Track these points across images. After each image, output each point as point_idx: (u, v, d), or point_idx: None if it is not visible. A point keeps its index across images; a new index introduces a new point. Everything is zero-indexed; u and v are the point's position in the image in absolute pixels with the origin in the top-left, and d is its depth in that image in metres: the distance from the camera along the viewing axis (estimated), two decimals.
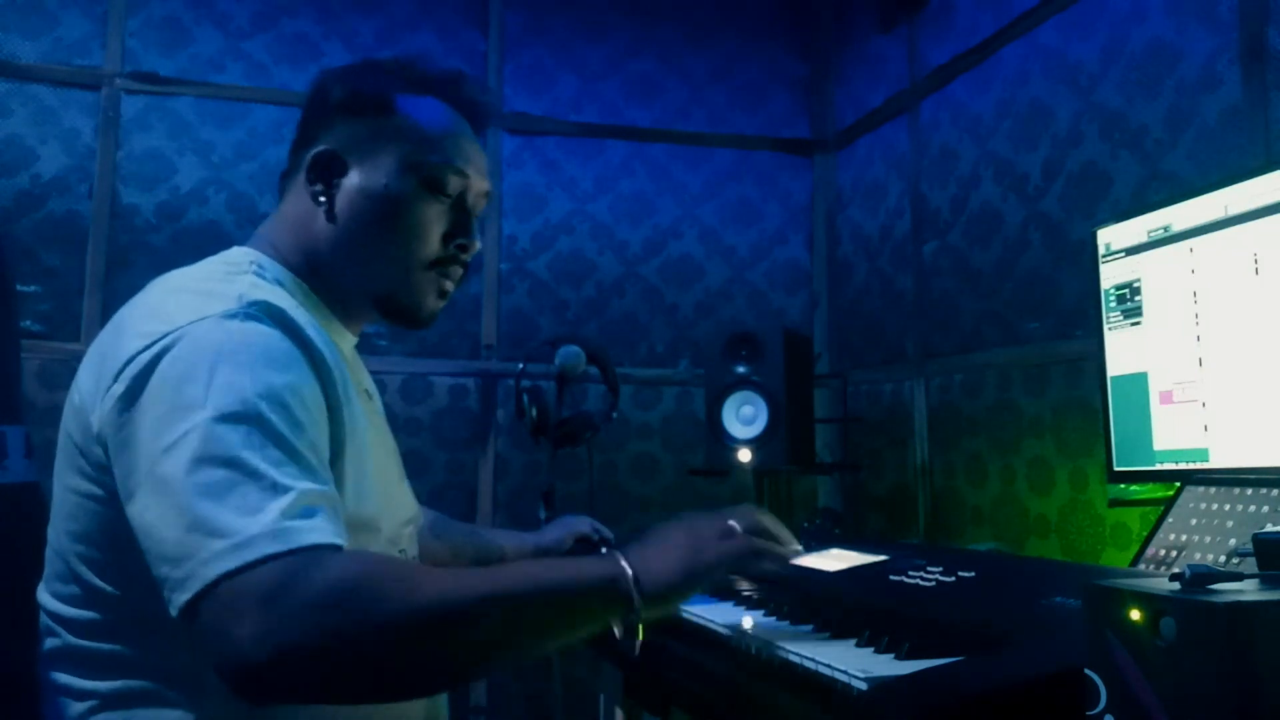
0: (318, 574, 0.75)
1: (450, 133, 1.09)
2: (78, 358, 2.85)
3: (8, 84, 2.63)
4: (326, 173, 1.06)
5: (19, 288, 2.39)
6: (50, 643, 0.95)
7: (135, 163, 2.71)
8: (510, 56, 3.02)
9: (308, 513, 0.79)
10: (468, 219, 1.10)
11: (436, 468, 2.81)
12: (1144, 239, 1.37)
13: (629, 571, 0.87)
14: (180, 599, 0.76)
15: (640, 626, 0.89)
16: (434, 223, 1.07)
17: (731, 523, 0.96)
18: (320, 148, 1.06)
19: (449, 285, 1.11)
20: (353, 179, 1.05)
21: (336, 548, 0.80)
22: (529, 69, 3.02)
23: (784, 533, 1.01)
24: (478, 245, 1.12)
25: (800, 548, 1.00)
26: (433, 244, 1.07)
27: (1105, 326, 1.43)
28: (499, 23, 3.01)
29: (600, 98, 3.07)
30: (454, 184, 1.08)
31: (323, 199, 1.06)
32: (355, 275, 1.07)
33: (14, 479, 1.11)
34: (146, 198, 2.70)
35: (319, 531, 0.79)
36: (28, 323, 2.56)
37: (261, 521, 0.77)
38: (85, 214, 2.65)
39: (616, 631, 0.89)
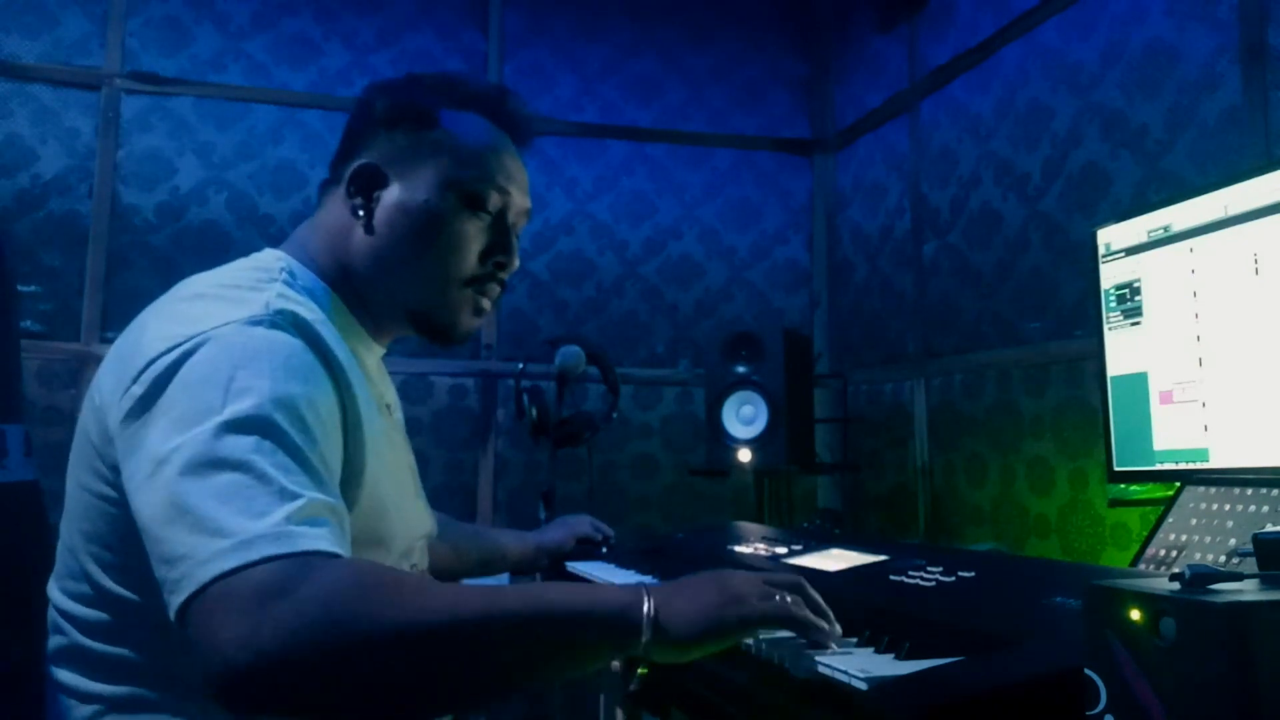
0: (313, 579, 0.73)
1: (492, 149, 1.08)
2: (78, 358, 2.84)
3: (8, 84, 2.63)
4: (367, 185, 1.05)
5: (19, 288, 2.39)
6: (57, 640, 0.95)
7: (135, 163, 2.71)
8: (510, 56, 3.02)
9: (313, 521, 0.78)
10: (507, 237, 1.09)
11: (436, 468, 2.81)
12: (1144, 239, 1.37)
13: (647, 605, 0.82)
14: (176, 601, 0.75)
15: (642, 666, 0.83)
16: (473, 240, 1.06)
17: (775, 589, 0.87)
18: (362, 160, 1.06)
19: (486, 303, 1.10)
20: (393, 193, 1.05)
21: (337, 558, 0.78)
22: (529, 69, 3.02)
23: (826, 612, 0.89)
24: (516, 264, 1.11)
25: (839, 632, 0.88)
26: (471, 261, 1.07)
27: (1105, 326, 1.43)
28: (499, 23, 3.01)
29: (600, 98, 3.07)
30: (494, 201, 1.07)
31: (362, 212, 1.05)
32: (391, 290, 1.06)
33: (14, 478, 1.11)
34: (146, 198, 2.71)
35: (322, 540, 0.77)
36: (28, 323, 2.56)
37: (265, 524, 0.75)
38: (85, 214, 2.65)
39: (614, 665, 0.85)
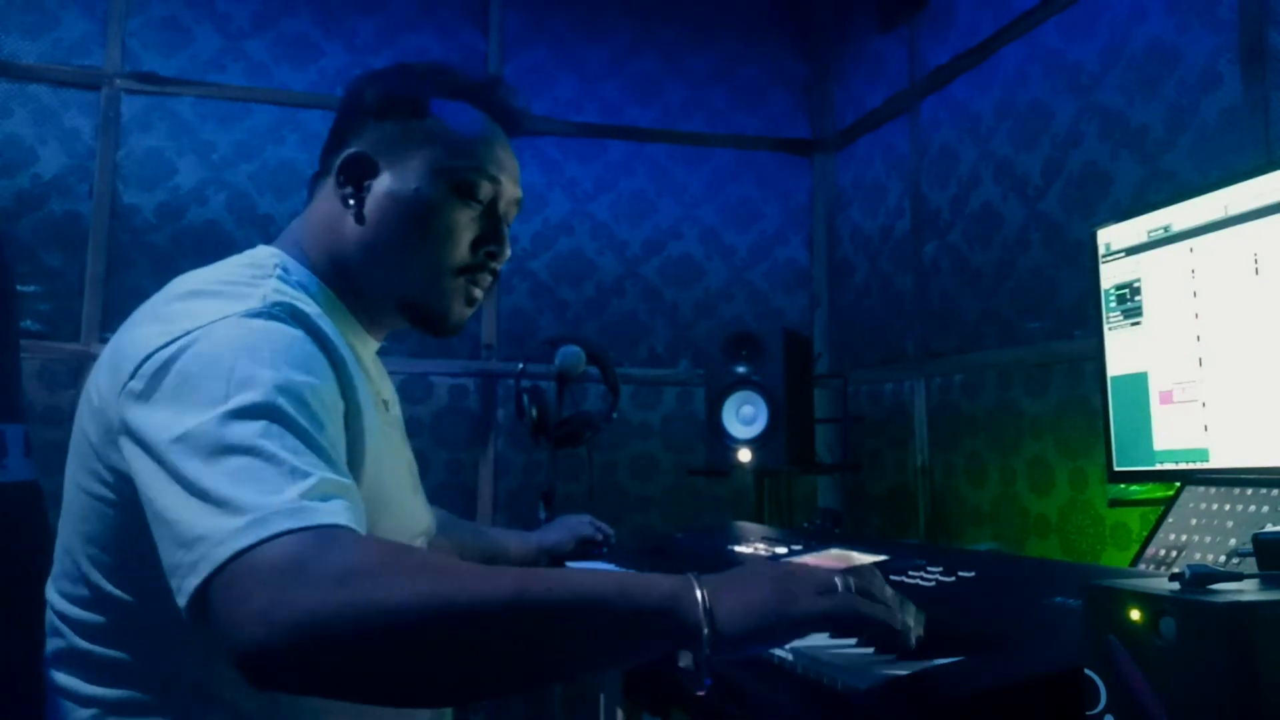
0: (334, 552, 0.71)
1: (483, 138, 1.08)
2: (78, 358, 2.84)
3: (8, 84, 2.63)
4: (357, 175, 1.05)
5: (19, 288, 2.39)
6: (55, 643, 0.94)
7: (135, 163, 2.71)
8: (510, 56, 3.02)
9: (327, 497, 0.76)
10: (498, 226, 1.08)
11: (436, 468, 2.81)
12: (1144, 239, 1.37)
13: (702, 598, 0.74)
14: (193, 583, 0.72)
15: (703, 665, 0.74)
16: (464, 228, 1.06)
17: (838, 579, 0.78)
18: (352, 150, 1.05)
19: (477, 293, 1.09)
20: (383, 181, 1.04)
21: (355, 532, 0.75)
22: (529, 69, 3.02)
23: (896, 606, 0.79)
24: (508, 253, 1.10)
25: (921, 635, 0.79)
26: (462, 250, 1.06)
27: (1105, 326, 1.43)
28: (499, 23, 3.01)
29: (600, 98, 3.07)
30: (485, 190, 1.07)
31: (352, 201, 1.04)
32: (383, 279, 1.06)
33: (13, 478, 1.11)
34: (146, 198, 2.71)
35: (339, 514, 0.75)
36: (28, 323, 2.56)
37: (280, 499, 0.73)
38: (85, 214, 2.65)
39: (682, 661, 0.76)
